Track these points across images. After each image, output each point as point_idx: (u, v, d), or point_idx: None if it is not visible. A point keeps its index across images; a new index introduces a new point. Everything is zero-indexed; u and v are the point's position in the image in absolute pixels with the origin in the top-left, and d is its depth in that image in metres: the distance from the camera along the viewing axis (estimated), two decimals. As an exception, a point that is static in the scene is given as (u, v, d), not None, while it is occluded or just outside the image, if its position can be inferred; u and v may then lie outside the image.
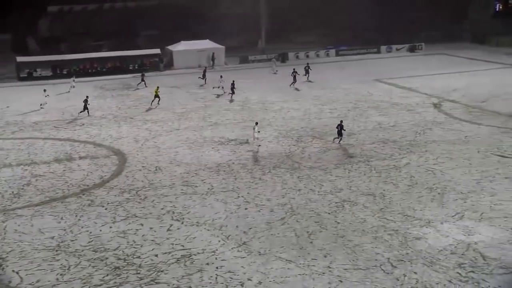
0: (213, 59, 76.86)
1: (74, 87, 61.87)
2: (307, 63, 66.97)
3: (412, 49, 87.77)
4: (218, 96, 57.78)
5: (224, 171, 36.33)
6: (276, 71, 71.74)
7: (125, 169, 37.04)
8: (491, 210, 29.37)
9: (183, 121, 49.02)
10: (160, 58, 75.39)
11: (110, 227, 28.51)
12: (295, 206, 30.56)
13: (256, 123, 41.88)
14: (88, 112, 51.04)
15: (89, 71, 72.31)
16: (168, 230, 28.13)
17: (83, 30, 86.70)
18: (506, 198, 30.71)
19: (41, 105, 54.42)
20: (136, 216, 29.75)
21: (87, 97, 52.34)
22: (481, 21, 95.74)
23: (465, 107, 50.83)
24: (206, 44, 78.32)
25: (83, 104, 51.01)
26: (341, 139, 41.31)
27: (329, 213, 29.54)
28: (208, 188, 33.44)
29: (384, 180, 33.88)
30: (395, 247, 25.75)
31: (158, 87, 55.83)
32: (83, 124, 48.44)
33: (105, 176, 35.93)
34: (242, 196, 32.10)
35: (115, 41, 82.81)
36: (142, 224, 28.77)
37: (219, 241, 26.76)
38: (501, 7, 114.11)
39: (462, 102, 52.66)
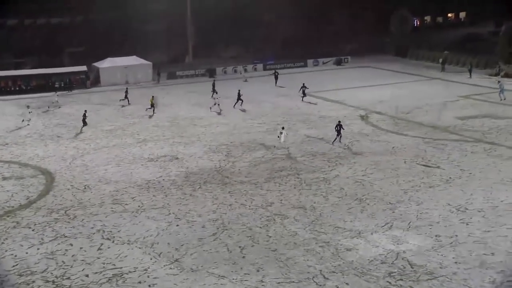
0: (158, 73, 76.85)
1: None
2: (275, 70, 67.72)
3: (338, 63, 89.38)
4: (152, 111, 57.23)
5: (154, 188, 35.98)
6: (246, 79, 73.88)
7: (53, 189, 36.19)
8: (418, 219, 30.10)
9: (111, 138, 48.32)
10: (87, 75, 74.19)
11: (38, 249, 27.75)
12: (227, 221, 30.52)
13: (283, 128, 44.49)
14: (84, 125, 51.72)
15: (12, 89, 70.37)
16: (99, 249, 27.62)
17: (3, 47, 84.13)
18: (431, 207, 31.56)
19: (23, 120, 53.47)
20: (65, 236, 29.09)
21: (85, 111, 52.73)
22: (401, 36, 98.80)
23: (391, 119, 52.03)
24: (132, 60, 77.66)
25: (82, 118, 51.83)
26: (340, 137, 43.67)
27: (260, 227, 29.61)
28: (139, 206, 33.04)
29: (314, 193, 34.25)
30: (327, 259, 26.02)
31: (153, 96, 57.14)
32: (6, 144, 47.07)
33: (31, 196, 34.99)
34: (173, 213, 31.85)
35: (38, 58, 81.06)
36: (71, 244, 28.14)
37: (151, 259, 26.44)
38: (418, 23, 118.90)
39: (388, 114, 53.90)
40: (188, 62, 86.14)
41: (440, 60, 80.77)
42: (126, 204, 33.34)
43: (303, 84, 62.17)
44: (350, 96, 62.57)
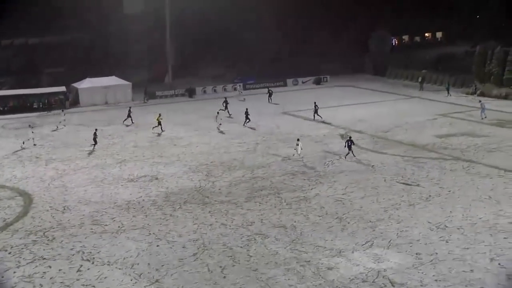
0: (145, 92, 77.15)
1: None
2: (268, 88, 69.73)
3: (318, 82, 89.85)
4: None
5: (134, 208, 35.78)
6: (244, 98, 74.01)
7: (31, 210, 35.83)
8: (398, 237, 30.19)
9: (91, 159, 48.05)
10: (66, 96, 73.86)
11: (14, 272, 27.39)
12: (207, 241, 30.39)
13: (298, 139, 46.34)
14: (95, 143, 51.91)
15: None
16: (78, 270, 27.35)
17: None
18: (411, 225, 31.67)
19: (23, 143, 52.83)
20: (44, 258, 28.77)
21: (96, 130, 53.04)
22: (380, 55, 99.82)
23: (370, 137, 52.29)
24: (112, 80, 77.50)
25: (93, 137, 51.85)
26: (351, 152, 45.03)
27: (241, 247, 29.52)
28: (119, 226, 32.82)
29: (295, 212, 34.24)
30: (308, 278, 25.96)
31: (160, 114, 57.66)
32: (-16, 165, 46.66)
33: (8, 218, 34.58)
34: (153, 233, 31.66)
35: (16, 79, 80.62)
36: (50, 266, 27.84)
37: (131, 280, 26.24)
38: (396, 42, 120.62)
39: (367, 133, 54.17)
40: (168, 82, 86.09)
41: (419, 79, 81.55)
42: (106, 225, 33.10)
43: (315, 103, 61.69)
44: (329, 115, 62.80)
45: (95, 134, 52.39)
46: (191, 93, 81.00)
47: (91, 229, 32.58)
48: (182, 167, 44.61)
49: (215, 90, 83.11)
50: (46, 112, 69.67)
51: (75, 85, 76.48)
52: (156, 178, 41.98)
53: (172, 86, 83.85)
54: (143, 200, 37.33)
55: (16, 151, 51.03)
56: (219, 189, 39.17)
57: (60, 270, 27.46)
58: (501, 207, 33.70)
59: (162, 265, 27.68)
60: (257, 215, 33.88)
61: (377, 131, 54.47)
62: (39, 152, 50.47)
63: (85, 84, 75.94)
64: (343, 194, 37.06)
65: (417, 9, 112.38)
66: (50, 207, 36.41)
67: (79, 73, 79.16)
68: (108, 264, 27.97)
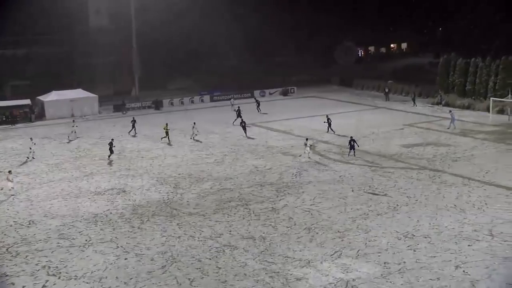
0: (123, 103, 77.03)
1: None
2: (255, 98, 70.98)
3: (285, 93, 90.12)
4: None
5: (102, 221, 35.42)
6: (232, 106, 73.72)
7: (-7, 226, 35.22)
8: (366, 246, 30.35)
9: (57, 172, 47.47)
10: (31, 109, 72.95)
11: (-24, 291, 26.90)
12: (176, 253, 30.21)
13: (307, 139, 49.69)
14: (111, 153, 51.49)
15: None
16: (44, 286, 26.95)
17: None
18: (379, 234, 31.88)
19: (28, 156, 51.94)
20: (6, 275, 28.22)
21: (112, 140, 52.45)
22: (347, 66, 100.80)
23: (338, 148, 52.59)
24: (78, 93, 76.78)
25: (109, 147, 51.16)
26: (354, 152, 48.72)
27: (210, 259, 29.40)
28: (86, 240, 32.45)
29: (263, 223, 34.23)
30: (277, 288, 25.96)
31: (167, 124, 57.71)
32: None
33: (-29, 234, 33.98)
34: (121, 246, 31.37)
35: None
36: (13, 283, 27.34)
37: (99, 295, 25.93)
38: (362, 53, 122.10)
39: (335, 143, 54.48)
40: (134, 95, 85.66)
41: (386, 89, 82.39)
42: (73, 239, 32.70)
43: (327, 115, 60.96)
44: (297, 126, 63.11)
45: (111, 143, 51.66)
46: (158, 105, 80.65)
47: (58, 243, 32.15)
48: (149, 180, 44.35)
49: (182, 102, 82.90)
50: (10, 125, 68.69)
51: (41, 98, 75.52)
52: (124, 191, 41.65)
53: (138, 98, 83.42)
54: (111, 213, 36.98)
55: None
56: (187, 201, 39.01)
57: (24, 286, 26.99)
58: (466, 215, 34.19)
59: (131, 278, 27.43)
60: (226, 227, 33.79)
61: (344, 141, 54.78)
62: (2, 166, 49.63)
63: (51, 97, 75.06)
64: (311, 205, 37.17)
65: (383, 21, 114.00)
66: (14, 221, 35.80)
67: (44, 86, 78.26)
68: (75, 279, 27.60)
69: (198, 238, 32.28)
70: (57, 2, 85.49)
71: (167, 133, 57.27)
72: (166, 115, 67.51)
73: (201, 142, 56.59)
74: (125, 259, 29.76)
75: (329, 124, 59.72)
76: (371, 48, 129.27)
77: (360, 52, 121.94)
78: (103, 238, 32.72)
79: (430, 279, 26.32)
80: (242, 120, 60.81)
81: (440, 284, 25.80)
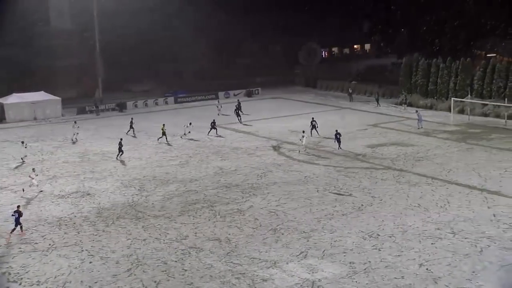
0: (96, 106, 77.29)
1: None
2: (238, 100, 71.45)
3: (249, 94, 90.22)
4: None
5: (66, 225, 35.03)
6: (219, 111, 73.00)
7: (-49, 232, 34.52)
8: (332, 246, 30.54)
9: (19, 176, 46.79)
10: (-10, 112, 71.84)
11: None
12: (141, 256, 30.04)
13: (304, 131, 52.50)
14: (121, 153, 51.60)
15: None
16: (5, 293, 26.56)
17: None
18: (344, 234, 32.10)
19: (22, 158, 51.24)
20: (-36, 284, 27.75)
21: (121, 139, 52.55)
22: (311, 67, 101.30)
23: (303, 149, 52.79)
24: (40, 96, 75.82)
25: (119, 147, 50.92)
26: (339, 144, 51.68)
27: (176, 261, 29.30)
28: (49, 244, 32.05)
29: (229, 224, 34.22)
30: (243, 290, 25.98)
31: (164, 124, 57.47)
32: None
33: None
34: (86, 250, 31.08)
35: None
36: (-27, 291, 26.92)
37: (63, 299, 25.65)
38: (326, 54, 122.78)
39: (299, 144, 54.64)
40: (98, 97, 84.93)
41: (349, 90, 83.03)
42: (36, 243, 32.26)
43: (313, 118, 60.04)
44: (261, 127, 63.24)
45: (120, 143, 51.55)
46: (122, 107, 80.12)
47: (20, 248, 31.68)
48: (114, 182, 44.01)
49: (146, 104, 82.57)
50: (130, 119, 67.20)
51: (1, 100, 74.40)
52: (88, 194, 41.27)
53: (102, 100, 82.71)
54: (75, 216, 36.60)
55: None
56: (152, 203, 38.81)
57: (-15, 294, 26.64)
58: (429, 214, 34.61)
59: (96, 282, 27.19)
60: (191, 229, 33.71)
61: (309, 142, 54.98)
62: (-36, 170, 48.85)
63: (12, 100, 74.01)
64: (276, 206, 37.27)
65: (346, 22, 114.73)
66: (-25, 227, 35.26)
67: (3, 88, 77.00)
68: (38, 284, 27.22)
69: (164, 240, 32.14)
70: (17, 3, 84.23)
71: (164, 133, 57.21)
72: (130, 117, 66.86)
73: (168, 145, 56.41)
74: (90, 262, 29.49)
75: (314, 127, 58.63)
76: (335, 49, 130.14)
77: (324, 53, 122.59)
78: (67, 241, 32.37)
79: (395, 278, 26.60)
80: (213, 120, 61.87)
81: (405, 283, 26.09)
